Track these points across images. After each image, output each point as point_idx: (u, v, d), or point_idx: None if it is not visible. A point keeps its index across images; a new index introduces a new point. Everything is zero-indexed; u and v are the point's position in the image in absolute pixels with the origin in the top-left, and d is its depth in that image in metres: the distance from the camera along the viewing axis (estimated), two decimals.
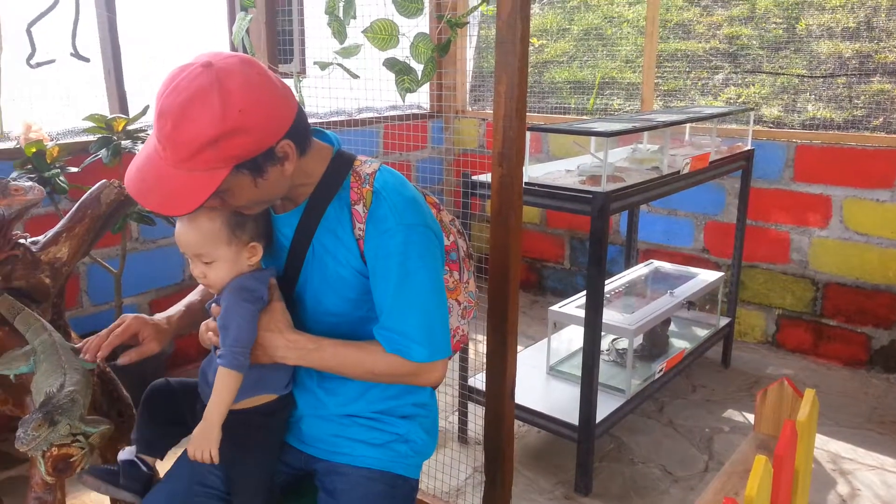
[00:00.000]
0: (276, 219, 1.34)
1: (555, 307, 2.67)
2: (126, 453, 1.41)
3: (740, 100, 3.66)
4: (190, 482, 1.35)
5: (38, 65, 2.51)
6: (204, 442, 1.21)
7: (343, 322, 1.32)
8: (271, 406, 1.32)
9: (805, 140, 3.28)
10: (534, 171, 2.37)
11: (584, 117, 3.88)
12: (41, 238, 1.64)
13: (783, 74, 3.61)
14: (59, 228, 1.66)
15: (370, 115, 3.75)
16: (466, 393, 2.51)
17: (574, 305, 2.65)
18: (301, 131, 1.22)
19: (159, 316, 1.43)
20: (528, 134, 2.35)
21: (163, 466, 1.42)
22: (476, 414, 2.43)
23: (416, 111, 4.15)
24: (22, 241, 1.59)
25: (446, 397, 2.70)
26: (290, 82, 2.09)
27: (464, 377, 2.49)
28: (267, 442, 1.34)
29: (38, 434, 1.15)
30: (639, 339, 2.82)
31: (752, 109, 3.28)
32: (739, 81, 3.69)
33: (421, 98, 4.12)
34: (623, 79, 4.03)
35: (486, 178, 2.24)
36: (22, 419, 1.18)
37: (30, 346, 1.42)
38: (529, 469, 2.48)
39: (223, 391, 1.22)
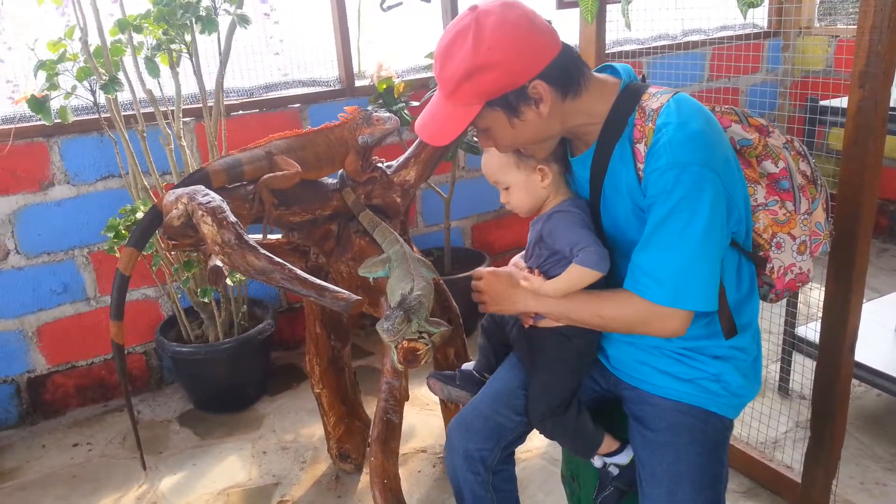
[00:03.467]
0: (573, 161, 1.36)
1: None
2: (466, 366, 1.61)
3: None
4: (512, 384, 1.47)
5: (389, 8, 2.81)
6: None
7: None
8: (569, 330, 1.36)
9: None
10: None
11: None
12: (394, 163, 1.88)
13: None
14: (408, 154, 1.88)
15: (698, 37, 3.48)
16: (793, 341, 2.30)
17: None
18: (562, 74, 1.21)
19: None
20: None
21: None
22: (803, 365, 2.21)
23: (750, 30, 3.75)
24: (380, 165, 1.84)
25: (768, 344, 2.50)
26: (615, 7, 2.05)
27: (791, 324, 2.28)
28: (561, 361, 1.39)
29: (400, 328, 1.36)
30: None
31: None
32: None
33: (758, 15, 3.69)
34: None
35: (839, 102, 1.96)
36: (386, 314, 1.39)
37: (385, 254, 1.65)
38: (863, 433, 2.21)
39: (565, 282, 1.29)
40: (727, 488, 1.37)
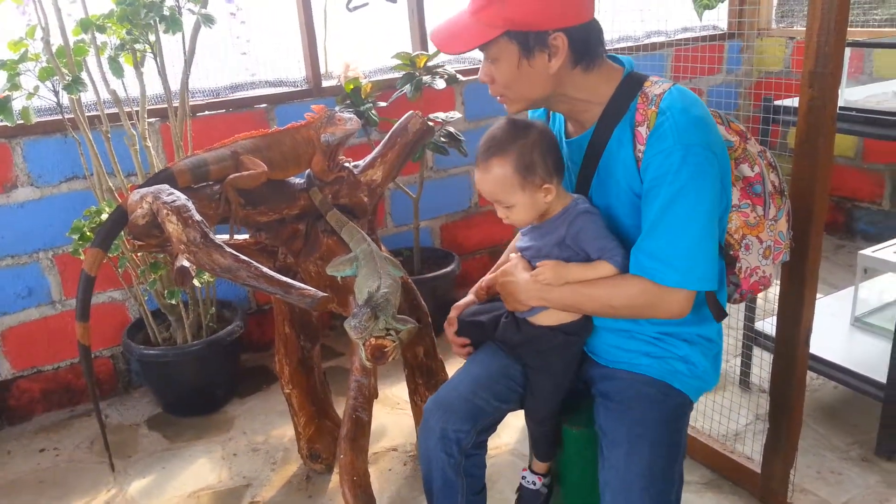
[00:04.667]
0: (569, 143, 1.38)
1: (867, 251, 2.35)
2: None
3: None
4: (492, 369, 1.49)
5: (355, 8, 2.83)
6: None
7: (626, 247, 1.33)
8: (574, 326, 1.39)
9: None
10: (852, 94, 2.08)
11: None
12: (361, 162, 1.90)
13: None
14: (374, 154, 1.89)
15: (659, 39, 3.55)
16: (752, 335, 2.36)
17: (893, 250, 2.31)
18: (584, 42, 1.24)
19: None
20: (847, 50, 2.06)
21: None
22: (762, 359, 2.28)
23: (710, 32, 3.83)
24: (347, 164, 1.85)
25: (729, 339, 2.57)
26: None
27: (750, 318, 2.34)
28: (565, 358, 1.43)
29: (367, 325, 1.37)
30: None
31: None
32: None
33: (718, 17, 3.77)
34: None
35: (791, 102, 2.02)
36: (353, 312, 1.41)
37: (353, 253, 1.67)
38: (820, 424, 2.28)
39: (593, 273, 1.30)
40: (689, 481, 1.41)
